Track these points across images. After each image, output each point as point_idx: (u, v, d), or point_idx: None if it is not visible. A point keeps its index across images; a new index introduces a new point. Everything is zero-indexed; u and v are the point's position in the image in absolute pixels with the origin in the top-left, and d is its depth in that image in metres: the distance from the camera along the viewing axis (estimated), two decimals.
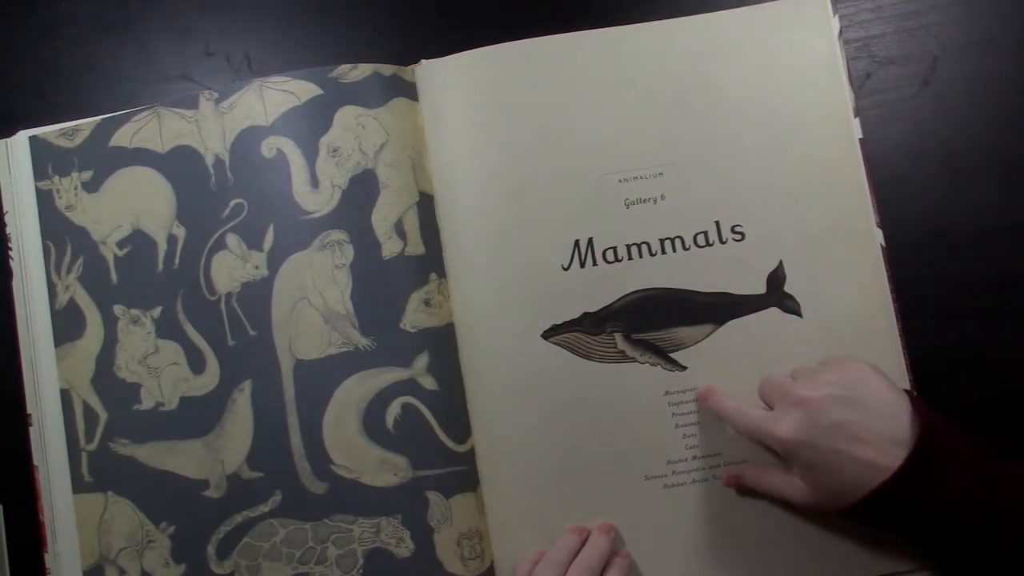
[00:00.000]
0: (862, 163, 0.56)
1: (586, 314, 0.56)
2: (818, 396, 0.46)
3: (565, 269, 0.56)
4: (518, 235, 0.56)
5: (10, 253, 0.59)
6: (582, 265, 0.56)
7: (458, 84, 0.57)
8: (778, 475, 0.50)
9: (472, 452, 0.55)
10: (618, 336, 0.55)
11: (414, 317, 0.56)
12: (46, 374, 0.58)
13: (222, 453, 0.56)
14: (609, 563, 0.52)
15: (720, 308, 0.55)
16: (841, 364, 0.49)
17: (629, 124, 0.57)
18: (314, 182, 0.57)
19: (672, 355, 0.55)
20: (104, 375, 0.57)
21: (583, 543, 0.53)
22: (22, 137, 0.60)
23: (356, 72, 0.57)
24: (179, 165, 0.58)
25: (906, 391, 0.47)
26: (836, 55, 0.57)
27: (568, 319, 0.56)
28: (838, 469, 0.45)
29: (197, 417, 0.57)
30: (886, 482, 0.43)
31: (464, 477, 0.55)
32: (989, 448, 0.44)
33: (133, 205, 0.58)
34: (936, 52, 0.58)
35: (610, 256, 0.56)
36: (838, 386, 0.46)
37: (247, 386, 0.56)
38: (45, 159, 0.59)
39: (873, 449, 0.44)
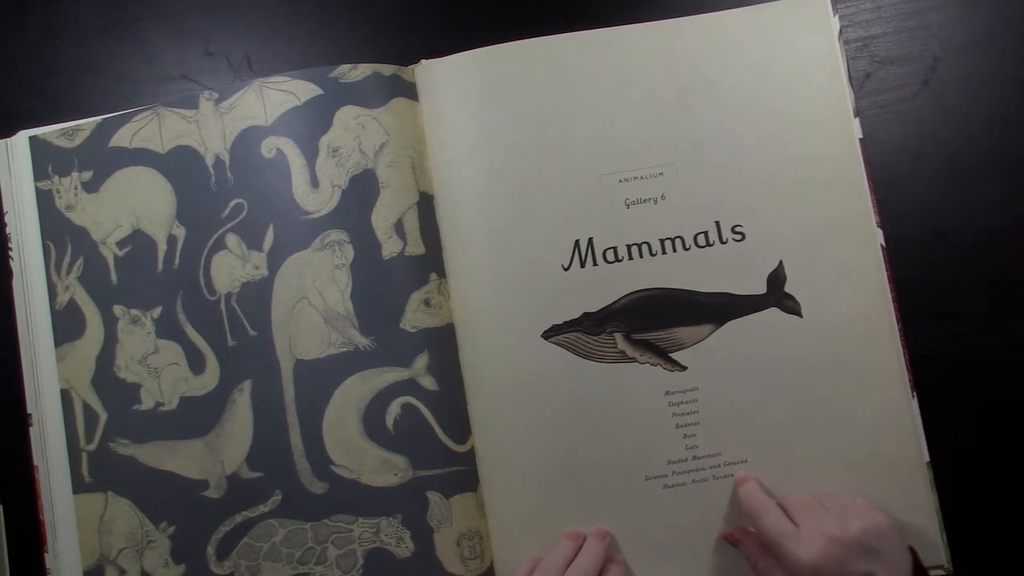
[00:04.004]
0: (862, 163, 0.56)
1: (586, 314, 0.56)
2: (849, 539, 0.48)
3: (565, 269, 0.56)
4: (518, 235, 0.56)
5: (10, 253, 0.59)
6: (582, 265, 0.56)
7: (458, 84, 0.57)
8: (775, 572, 0.50)
9: (472, 452, 0.55)
10: (618, 336, 0.55)
11: (414, 317, 0.56)
12: (46, 374, 0.58)
13: (222, 453, 0.56)
14: (604, 569, 0.52)
15: (720, 308, 0.55)
16: (869, 512, 0.50)
17: (629, 124, 0.57)
18: (314, 182, 0.57)
19: (672, 355, 0.55)
20: (104, 375, 0.57)
21: (579, 548, 0.53)
22: (22, 137, 0.60)
23: (356, 72, 0.57)
24: (179, 165, 0.58)
25: (910, 547, 0.49)
26: (836, 55, 0.57)
27: (568, 319, 0.55)
28: None
29: (197, 417, 0.57)
30: None
31: (464, 477, 0.55)
32: None
33: (133, 205, 0.58)
34: (936, 52, 0.58)
35: (610, 256, 0.56)
36: (868, 534, 0.48)
37: (247, 386, 0.56)
38: (45, 159, 0.59)
39: None
